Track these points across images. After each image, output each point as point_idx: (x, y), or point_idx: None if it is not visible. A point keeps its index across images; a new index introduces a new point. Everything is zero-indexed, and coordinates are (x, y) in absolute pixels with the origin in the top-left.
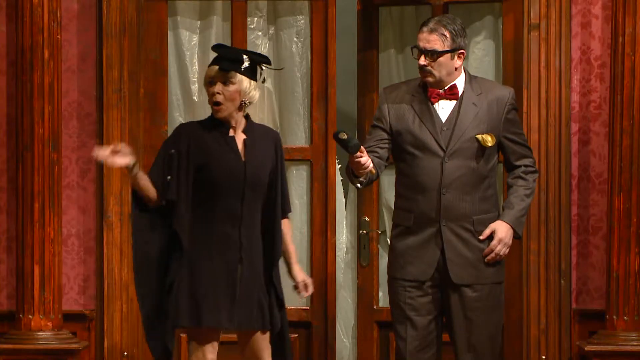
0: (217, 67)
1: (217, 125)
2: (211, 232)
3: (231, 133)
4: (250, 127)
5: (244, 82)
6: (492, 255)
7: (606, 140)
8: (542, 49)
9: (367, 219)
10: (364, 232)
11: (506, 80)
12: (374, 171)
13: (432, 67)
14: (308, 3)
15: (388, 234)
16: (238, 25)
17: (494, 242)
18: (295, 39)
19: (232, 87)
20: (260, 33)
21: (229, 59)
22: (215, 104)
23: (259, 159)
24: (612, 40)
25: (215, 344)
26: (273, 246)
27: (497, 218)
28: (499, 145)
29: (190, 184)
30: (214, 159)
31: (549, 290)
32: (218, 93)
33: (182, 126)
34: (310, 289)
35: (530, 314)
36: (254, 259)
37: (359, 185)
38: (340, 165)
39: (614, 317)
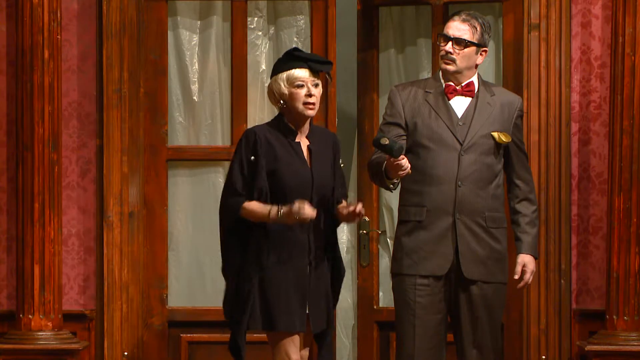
0: (307, 70)
1: (283, 130)
2: (282, 237)
3: (297, 139)
4: (312, 132)
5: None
6: (522, 284)
7: (606, 140)
8: (542, 49)
9: (367, 219)
10: (364, 232)
11: (506, 80)
12: (410, 172)
13: (456, 55)
14: (308, 3)
15: (388, 233)
16: (238, 25)
17: (527, 275)
18: (295, 39)
19: (319, 89)
20: (260, 33)
21: (318, 61)
22: (310, 104)
23: (323, 163)
24: (612, 40)
25: (297, 342)
26: (334, 247)
27: (504, 218)
28: (504, 150)
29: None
30: (283, 164)
31: (549, 290)
32: (313, 95)
33: (253, 131)
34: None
35: (530, 314)
36: (321, 261)
37: (392, 186)
38: (342, 165)
39: (614, 317)
